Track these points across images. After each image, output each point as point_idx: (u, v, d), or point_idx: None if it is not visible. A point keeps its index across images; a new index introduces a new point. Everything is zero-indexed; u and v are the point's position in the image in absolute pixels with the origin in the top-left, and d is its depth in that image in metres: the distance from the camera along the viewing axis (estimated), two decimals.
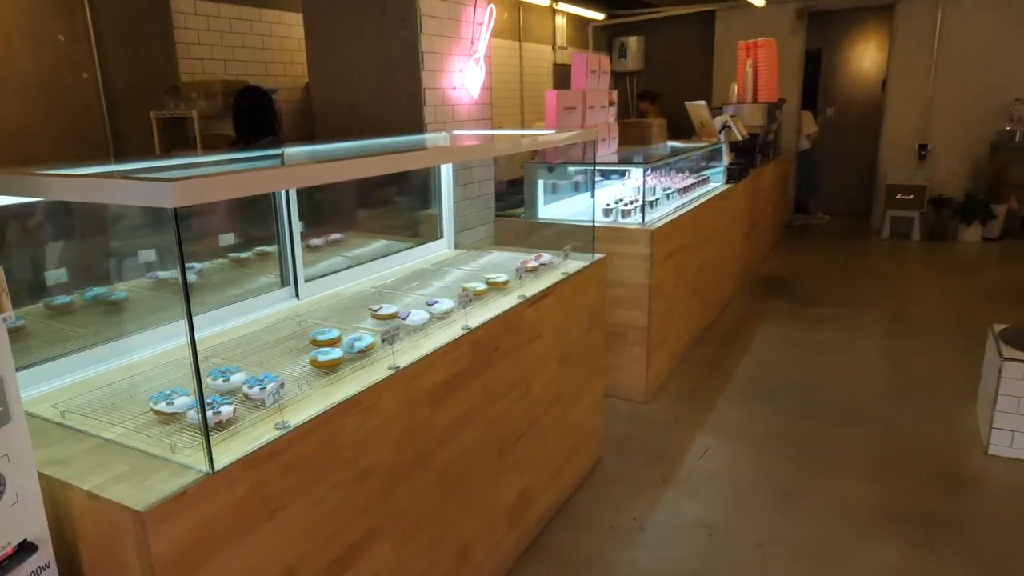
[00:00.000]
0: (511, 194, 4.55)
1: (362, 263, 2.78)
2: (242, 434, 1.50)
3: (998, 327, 3.52)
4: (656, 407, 3.89)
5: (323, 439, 1.61)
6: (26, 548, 1.19)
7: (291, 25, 4.52)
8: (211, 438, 1.41)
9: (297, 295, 2.46)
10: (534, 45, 7.37)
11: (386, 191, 3.33)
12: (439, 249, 3.22)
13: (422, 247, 3.12)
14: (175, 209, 1.23)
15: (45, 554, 1.23)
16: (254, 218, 2.62)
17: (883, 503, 2.94)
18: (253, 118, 3.49)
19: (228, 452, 1.42)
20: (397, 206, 3.36)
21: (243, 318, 2.26)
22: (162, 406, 1.54)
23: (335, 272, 2.63)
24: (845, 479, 3.13)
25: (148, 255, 2.41)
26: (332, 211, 3.09)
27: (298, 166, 2.01)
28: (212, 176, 1.28)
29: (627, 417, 3.75)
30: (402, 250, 3.00)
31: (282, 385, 1.57)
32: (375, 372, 1.83)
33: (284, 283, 2.46)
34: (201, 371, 1.80)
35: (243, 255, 2.59)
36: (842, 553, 2.63)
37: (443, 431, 2.07)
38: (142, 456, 1.42)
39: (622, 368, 3.90)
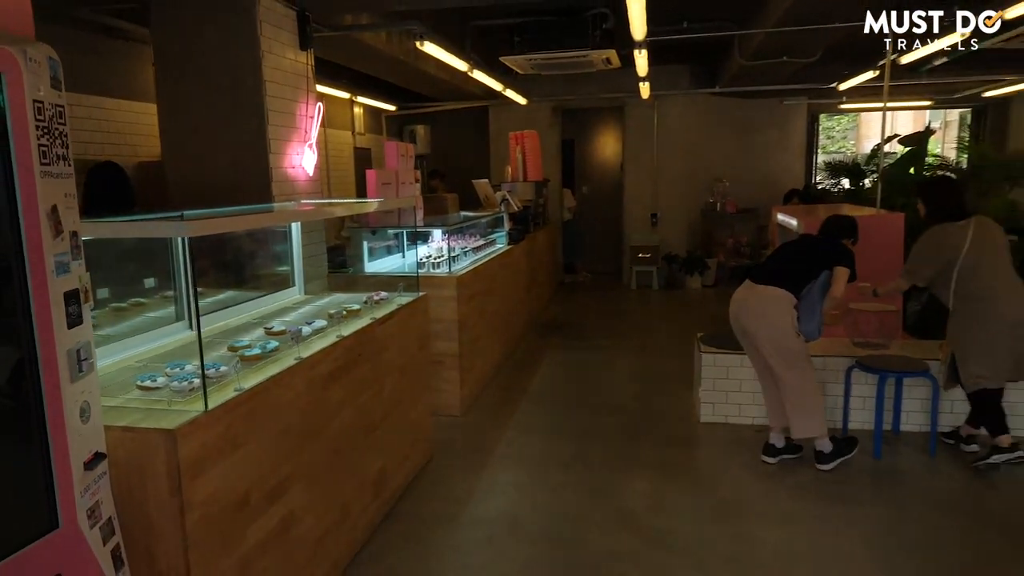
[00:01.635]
0: (330, 258, 5.34)
1: (235, 304, 3.44)
2: (211, 396, 2.20)
3: (700, 334, 5.01)
4: (471, 417, 4.84)
5: (262, 401, 2.35)
6: (99, 456, 1.82)
7: (126, 111, 5.01)
8: (188, 399, 2.11)
9: (191, 327, 3.08)
10: (336, 131, 8.29)
11: (239, 254, 3.98)
12: (293, 294, 3.95)
13: (280, 292, 3.83)
14: (186, 239, 1.98)
15: (106, 463, 1.86)
16: (120, 277, 3.20)
17: (635, 457, 4.14)
18: (109, 191, 3.99)
19: (210, 403, 2.12)
20: (250, 265, 4.02)
21: (153, 344, 2.85)
22: (148, 383, 2.19)
23: (218, 310, 3.28)
24: (609, 446, 4.30)
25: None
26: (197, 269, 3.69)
27: (280, 212, 2.72)
28: (210, 218, 2.05)
29: (450, 427, 4.65)
30: (265, 295, 3.70)
31: (239, 360, 2.29)
32: (286, 363, 2.59)
33: (179, 318, 3.08)
34: (160, 364, 2.44)
35: (122, 304, 3.15)
36: (609, 487, 3.74)
37: (331, 409, 2.84)
38: (148, 410, 2.07)
39: (442, 390, 4.81)
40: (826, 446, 3.85)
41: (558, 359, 6.35)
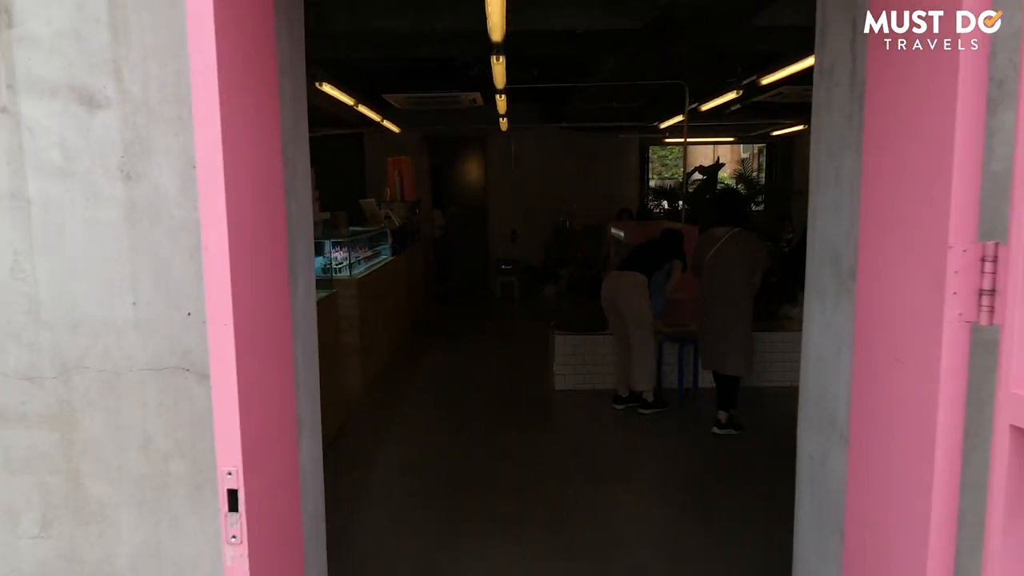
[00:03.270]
0: None
1: None
2: None
3: (553, 323, 6.31)
4: (370, 400, 5.81)
5: None
6: None
7: None
8: None
9: None
10: None
11: None
12: None
13: None
14: None
15: None
16: None
17: (506, 416, 5.32)
18: None
19: None
20: None
21: None
22: None
23: None
24: (486, 410, 5.46)
25: None
26: None
27: None
28: None
29: (355, 403, 5.60)
30: None
31: None
32: None
33: None
34: None
35: None
36: (487, 436, 4.88)
37: None
38: None
39: (347, 376, 5.74)
40: (650, 397, 5.22)
41: (439, 351, 7.45)
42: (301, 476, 1.51)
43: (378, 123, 9.24)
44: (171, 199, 1.25)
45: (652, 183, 13.79)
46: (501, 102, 7.68)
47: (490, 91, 7.25)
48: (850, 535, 1.38)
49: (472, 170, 12.52)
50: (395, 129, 10.11)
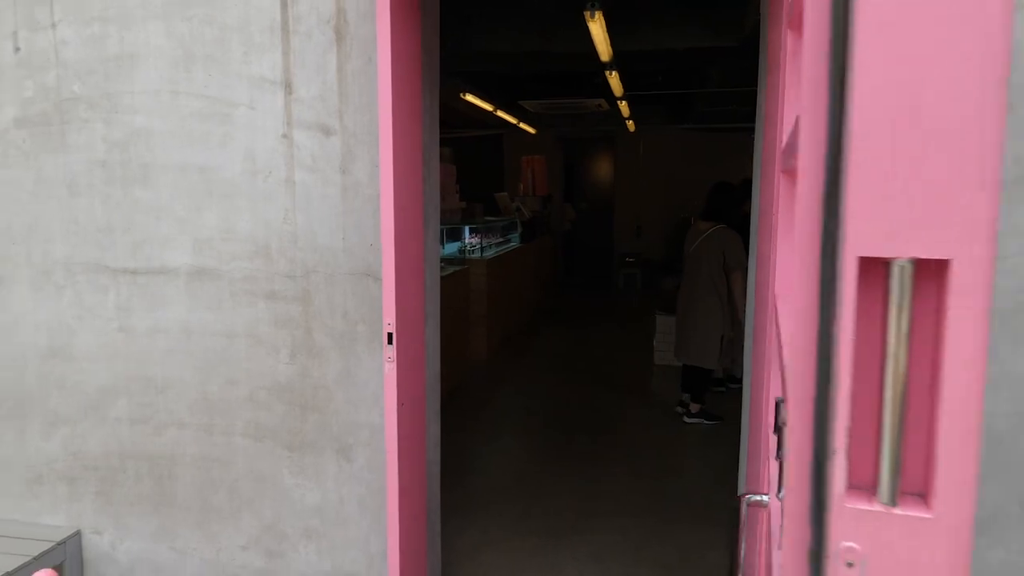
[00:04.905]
0: None
1: None
2: None
3: (656, 305, 7.07)
4: (492, 362, 6.89)
5: None
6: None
7: None
8: None
9: None
10: None
11: None
12: None
13: None
14: None
15: None
16: None
17: (604, 381, 6.18)
18: None
19: None
20: None
21: None
22: None
23: None
24: (587, 375, 6.35)
25: None
26: None
27: None
28: None
29: (476, 366, 6.69)
30: None
31: None
32: None
33: None
34: None
35: None
36: (587, 396, 5.78)
37: None
38: None
39: (474, 341, 6.85)
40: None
41: (557, 329, 8.42)
42: (426, 346, 2.51)
43: (515, 125, 10.33)
44: (364, 184, 2.28)
45: None
46: (623, 107, 8.48)
47: (613, 97, 8.08)
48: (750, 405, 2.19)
49: (601, 168, 13.35)
50: (531, 130, 11.17)
